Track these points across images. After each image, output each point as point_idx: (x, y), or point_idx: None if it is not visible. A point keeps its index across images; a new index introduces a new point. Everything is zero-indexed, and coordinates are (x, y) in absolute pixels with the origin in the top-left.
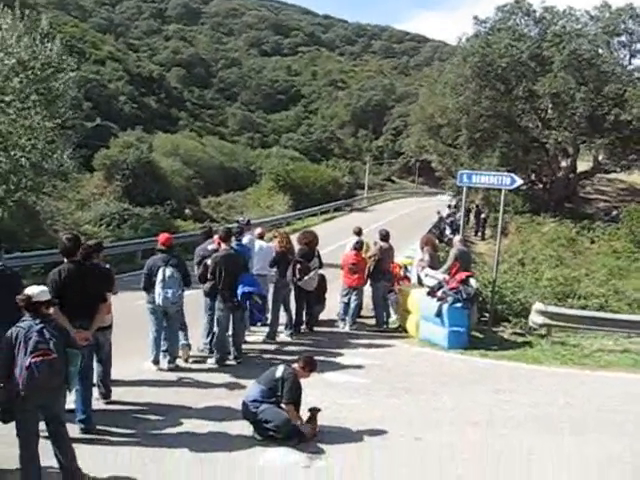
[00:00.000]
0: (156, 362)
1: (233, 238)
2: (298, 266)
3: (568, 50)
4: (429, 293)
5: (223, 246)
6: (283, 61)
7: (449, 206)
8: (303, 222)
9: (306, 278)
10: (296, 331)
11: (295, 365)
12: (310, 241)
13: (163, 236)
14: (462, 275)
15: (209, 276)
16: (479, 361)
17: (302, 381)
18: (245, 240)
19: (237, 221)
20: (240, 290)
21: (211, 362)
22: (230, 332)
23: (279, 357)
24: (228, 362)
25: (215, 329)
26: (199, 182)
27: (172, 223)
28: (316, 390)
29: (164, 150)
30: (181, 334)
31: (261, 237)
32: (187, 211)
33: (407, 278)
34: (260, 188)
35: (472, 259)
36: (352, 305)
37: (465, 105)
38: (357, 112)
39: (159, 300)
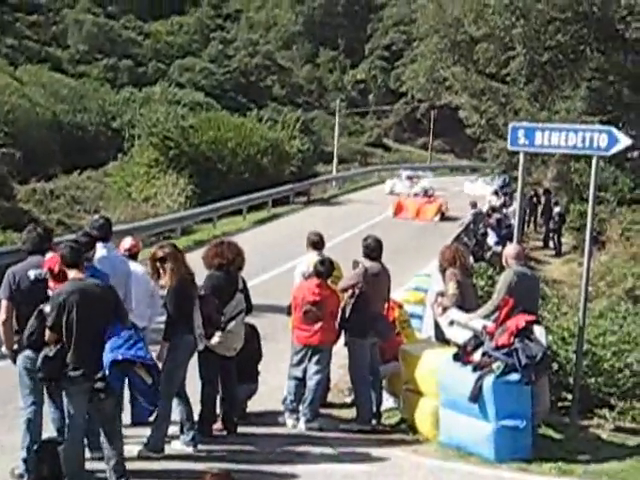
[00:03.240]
0: None
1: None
2: (209, 306)
3: None
4: (457, 356)
5: (72, 274)
6: None
7: (496, 192)
8: (215, 227)
9: (220, 334)
10: (202, 435)
11: None
12: (230, 261)
13: None
14: (520, 321)
15: (48, 335)
16: None
17: None
18: (98, 259)
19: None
20: (109, 357)
21: None
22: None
23: None
24: None
25: (68, 432)
26: (13, 153)
27: None
28: None
29: None
30: None
31: (133, 256)
32: None
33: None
34: (131, 164)
35: (539, 291)
36: (311, 382)
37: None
38: (315, 17)
39: None
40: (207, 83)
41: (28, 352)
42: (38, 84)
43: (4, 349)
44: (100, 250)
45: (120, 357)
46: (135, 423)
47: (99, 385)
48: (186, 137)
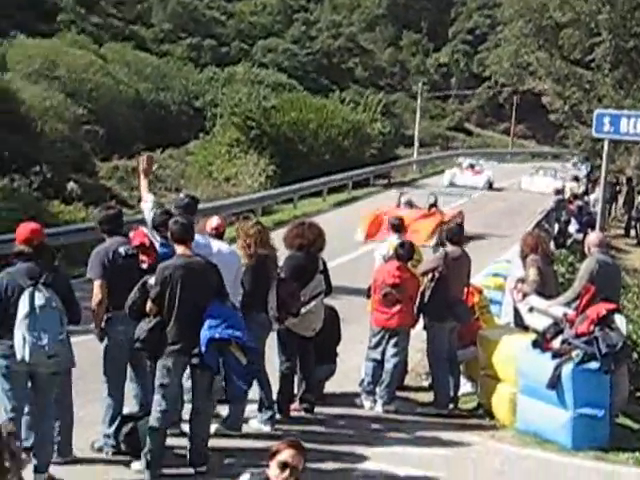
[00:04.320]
0: None
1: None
2: (286, 290)
3: None
4: (536, 343)
5: (180, 250)
6: None
7: (576, 178)
8: (295, 208)
9: (303, 311)
10: (279, 414)
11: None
12: (310, 242)
13: (26, 228)
14: (601, 309)
15: (149, 306)
16: (636, 473)
17: None
18: None
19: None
20: (206, 334)
21: (137, 467)
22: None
23: (245, 463)
24: (166, 470)
25: (155, 407)
26: (96, 130)
27: (43, 208)
28: None
29: (29, 69)
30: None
31: (220, 235)
32: (72, 185)
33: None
34: (213, 143)
35: (620, 280)
36: (388, 365)
37: None
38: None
39: (24, 352)
40: (289, 64)
41: (119, 327)
42: (122, 62)
43: (92, 326)
44: None
45: (217, 335)
46: (225, 400)
47: (195, 361)
48: (268, 118)
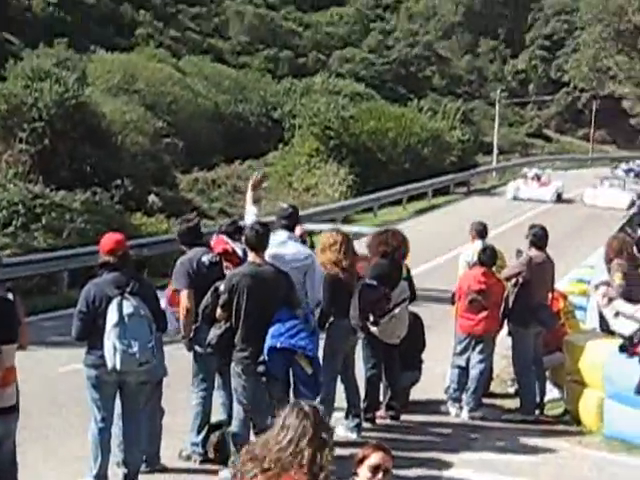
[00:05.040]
0: (102, 479)
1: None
2: (371, 297)
3: None
4: (624, 348)
5: (251, 257)
6: None
7: None
8: (376, 217)
9: (386, 319)
10: (367, 421)
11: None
12: (394, 249)
13: (111, 239)
14: None
15: (218, 312)
16: None
17: None
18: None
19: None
20: (269, 343)
21: (225, 475)
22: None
23: (333, 471)
24: None
25: (234, 413)
26: (176, 143)
27: (125, 220)
28: None
29: (109, 84)
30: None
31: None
32: (153, 198)
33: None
34: (292, 153)
35: None
36: (474, 372)
37: None
38: (475, 7)
39: (115, 361)
40: (367, 74)
41: (205, 336)
42: (200, 75)
43: (180, 336)
44: (284, 238)
45: (279, 345)
46: None
47: (260, 369)
48: (347, 127)
